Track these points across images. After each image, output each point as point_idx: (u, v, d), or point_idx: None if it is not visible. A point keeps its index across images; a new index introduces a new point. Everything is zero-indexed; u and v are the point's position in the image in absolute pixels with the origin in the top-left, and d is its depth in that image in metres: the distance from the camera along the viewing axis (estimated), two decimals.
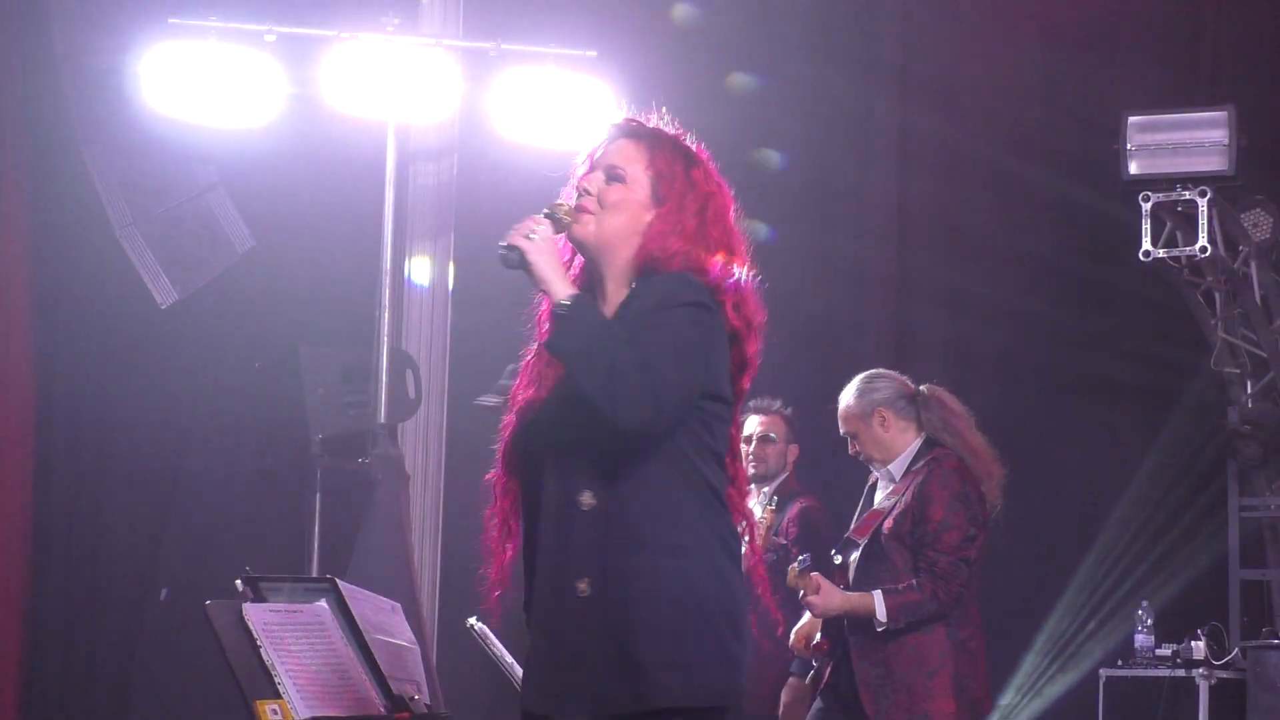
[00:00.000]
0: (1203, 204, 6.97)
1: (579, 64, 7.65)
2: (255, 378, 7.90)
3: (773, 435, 6.90)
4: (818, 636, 5.75)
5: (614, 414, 3.19)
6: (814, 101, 8.14)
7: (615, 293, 3.42)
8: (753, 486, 6.89)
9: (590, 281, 3.46)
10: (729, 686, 3.34)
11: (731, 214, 3.53)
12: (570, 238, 3.45)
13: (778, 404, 6.93)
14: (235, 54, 7.36)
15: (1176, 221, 7.10)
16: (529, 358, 3.53)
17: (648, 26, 8.16)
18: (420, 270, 8.16)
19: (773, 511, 6.63)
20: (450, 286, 8.23)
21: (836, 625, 5.64)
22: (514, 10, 8.09)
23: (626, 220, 3.42)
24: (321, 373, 7.68)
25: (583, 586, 3.29)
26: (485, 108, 7.72)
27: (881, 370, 5.87)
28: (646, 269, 3.38)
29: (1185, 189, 7.01)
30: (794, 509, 6.75)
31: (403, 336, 8.01)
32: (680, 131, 3.61)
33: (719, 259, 3.40)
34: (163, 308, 7.83)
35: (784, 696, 6.57)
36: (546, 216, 3.40)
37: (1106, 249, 7.78)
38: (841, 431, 5.80)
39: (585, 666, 3.29)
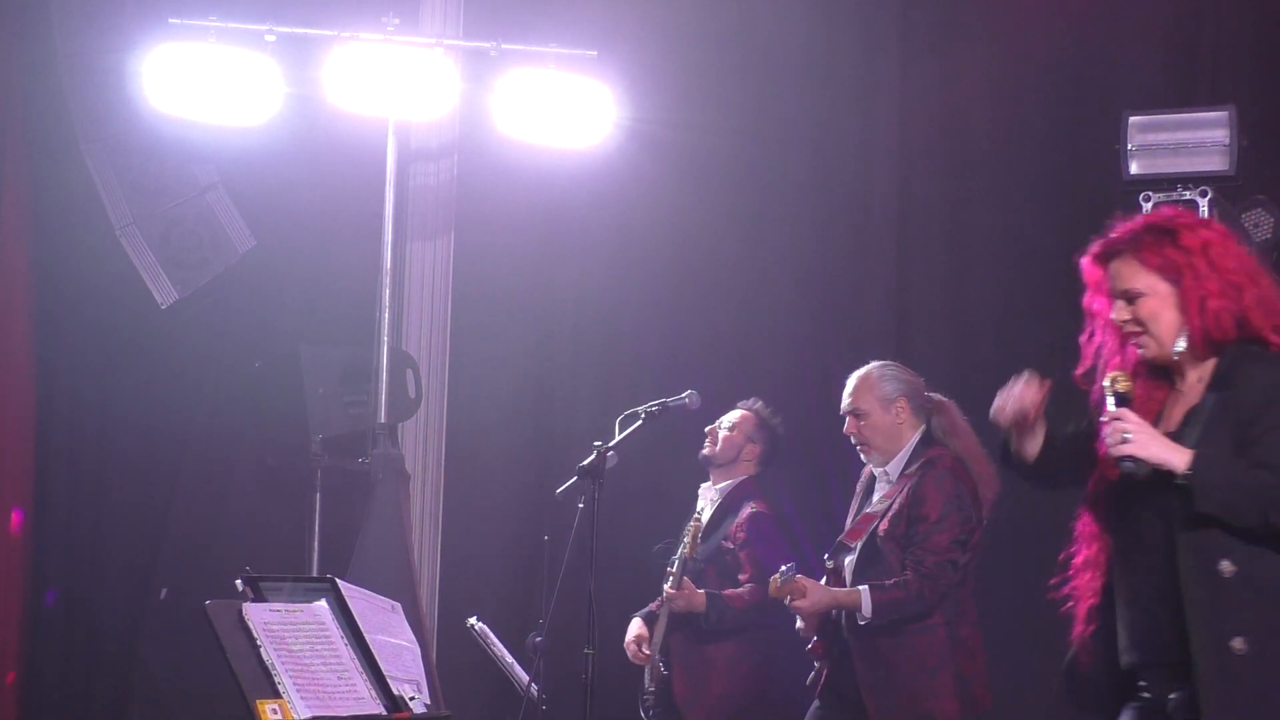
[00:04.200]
0: (1203, 204, 6.95)
1: (579, 64, 7.65)
2: (255, 378, 7.90)
3: (732, 424, 6.82)
4: (815, 639, 5.74)
5: None
6: (813, 101, 8.14)
7: (1192, 371, 3.83)
8: (707, 484, 6.85)
9: (1157, 368, 3.87)
10: None
11: (1233, 245, 3.85)
12: (1145, 359, 3.86)
13: (758, 404, 6.86)
14: (235, 54, 7.36)
15: None
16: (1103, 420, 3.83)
17: (648, 26, 8.16)
18: (420, 270, 8.17)
19: (697, 522, 6.60)
20: (450, 286, 8.23)
21: (834, 627, 5.63)
22: (514, 10, 8.09)
23: (1169, 319, 3.80)
24: (321, 373, 7.68)
25: (1239, 643, 3.62)
26: (485, 107, 7.72)
27: (900, 364, 5.88)
28: (1211, 343, 3.77)
29: (1186, 189, 6.99)
30: (744, 512, 6.70)
31: (403, 336, 8.01)
32: (1140, 218, 3.92)
33: (1252, 297, 3.76)
34: (163, 307, 7.83)
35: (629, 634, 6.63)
36: (1119, 400, 3.80)
37: None
38: (846, 408, 5.76)
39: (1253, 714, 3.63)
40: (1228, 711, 3.62)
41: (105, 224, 7.75)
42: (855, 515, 5.75)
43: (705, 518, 6.71)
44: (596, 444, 6.01)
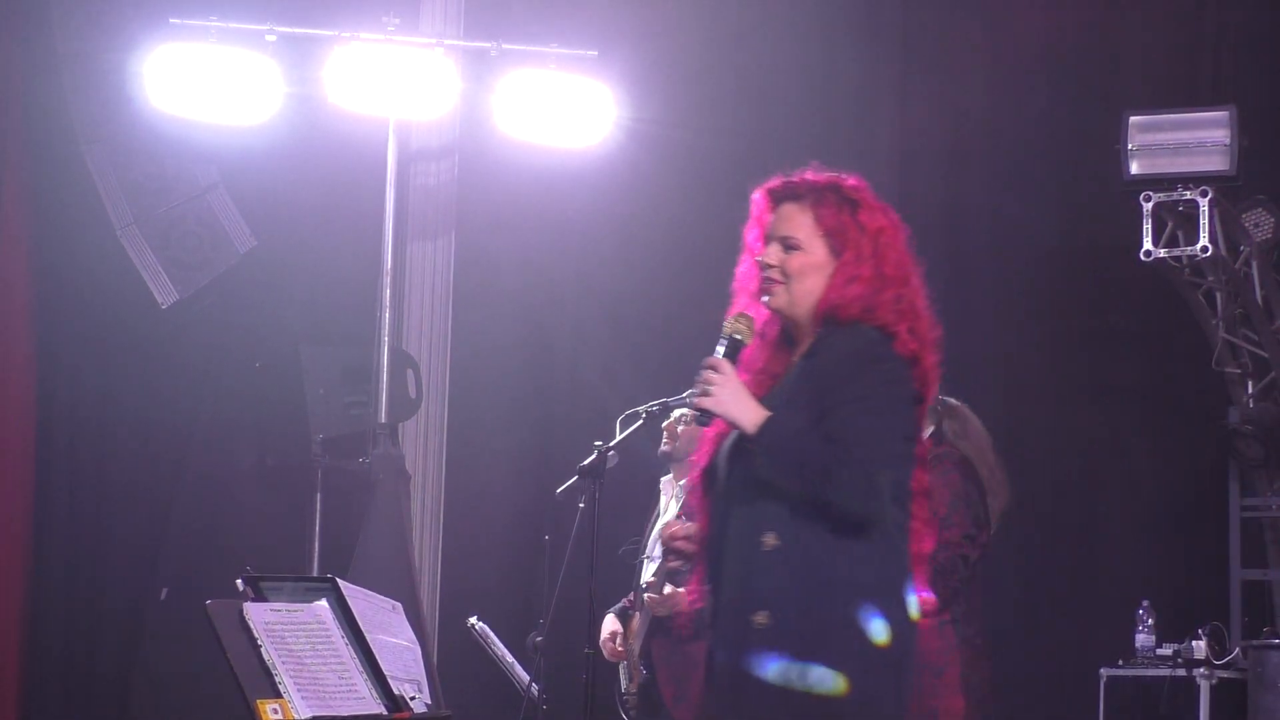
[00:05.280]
0: (1204, 204, 6.96)
1: (579, 64, 7.65)
2: (255, 378, 7.90)
3: (688, 418, 6.80)
4: None
5: (839, 509, 3.47)
6: (814, 101, 8.14)
7: (806, 342, 3.69)
8: (669, 477, 6.84)
9: (786, 332, 3.73)
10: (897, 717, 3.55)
11: (901, 239, 3.74)
12: (769, 308, 3.70)
13: (688, 396, 6.77)
14: (236, 54, 7.37)
15: (1177, 221, 7.10)
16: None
17: (648, 26, 8.16)
18: (420, 270, 8.17)
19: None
20: (450, 286, 8.23)
21: None
22: (514, 10, 8.09)
23: (813, 282, 3.66)
24: (322, 373, 7.68)
25: (761, 617, 3.49)
26: (486, 107, 7.73)
27: None
28: (829, 317, 3.63)
29: (1186, 189, 7.00)
30: None
31: (403, 336, 8.01)
32: (834, 176, 3.80)
33: (893, 294, 3.65)
34: (163, 308, 7.83)
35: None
36: (728, 347, 3.68)
37: (1106, 249, 7.77)
38: None
39: (762, 693, 3.49)
40: (736, 684, 3.52)
41: (106, 224, 7.75)
42: None
43: (671, 513, 6.72)
44: (597, 444, 6.00)
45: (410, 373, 7.76)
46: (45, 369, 7.97)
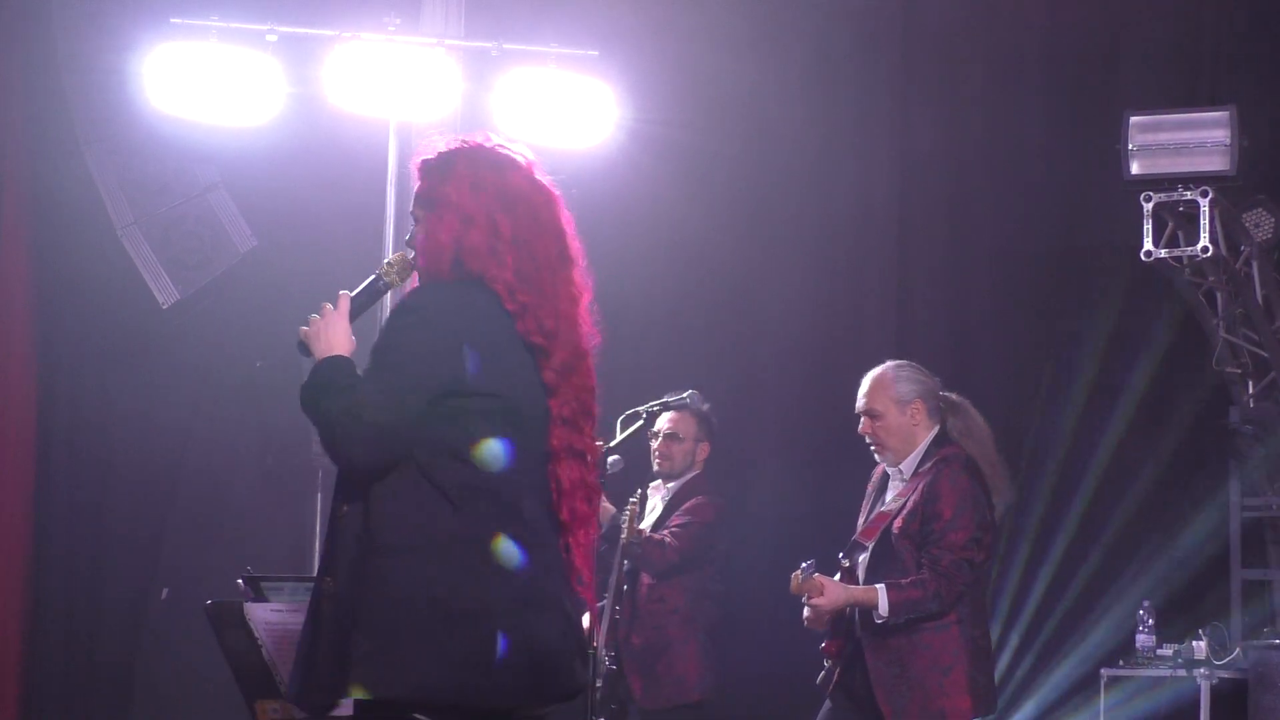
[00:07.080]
0: (1204, 204, 6.96)
1: (580, 64, 7.65)
2: (256, 377, 7.90)
3: (679, 434, 6.84)
4: (828, 639, 5.73)
5: (336, 458, 3.48)
6: (815, 100, 8.14)
7: None
8: (658, 482, 6.89)
9: None
10: (457, 684, 3.43)
11: (520, 203, 3.83)
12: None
13: (688, 396, 6.73)
14: (237, 54, 7.37)
15: (1178, 221, 7.10)
16: None
17: (648, 26, 8.16)
18: None
19: (634, 505, 6.64)
20: None
21: (847, 625, 5.62)
22: (515, 10, 8.09)
23: (431, 252, 3.63)
24: None
25: (329, 582, 3.52)
26: (487, 107, 7.72)
27: (915, 364, 5.85)
28: (427, 276, 3.64)
29: (1187, 189, 7.00)
30: (690, 502, 6.75)
31: None
32: (460, 141, 3.79)
33: (483, 246, 3.62)
34: (164, 307, 7.83)
35: None
36: (370, 285, 3.69)
37: (1107, 249, 7.78)
38: (860, 408, 5.72)
39: (316, 657, 3.49)
40: (309, 652, 3.52)
41: (106, 224, 7.75)
42: (869, 514, 5.74)
43: (656, 515, 6.75)
44: (597, 443, 5.99)
45: None
46: (46, 369, 7.97)
